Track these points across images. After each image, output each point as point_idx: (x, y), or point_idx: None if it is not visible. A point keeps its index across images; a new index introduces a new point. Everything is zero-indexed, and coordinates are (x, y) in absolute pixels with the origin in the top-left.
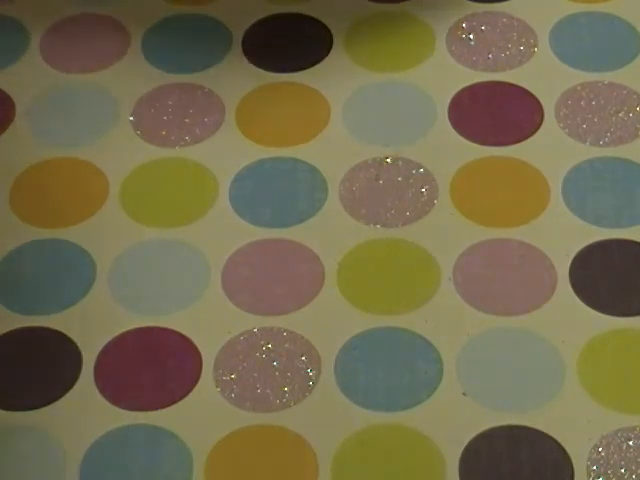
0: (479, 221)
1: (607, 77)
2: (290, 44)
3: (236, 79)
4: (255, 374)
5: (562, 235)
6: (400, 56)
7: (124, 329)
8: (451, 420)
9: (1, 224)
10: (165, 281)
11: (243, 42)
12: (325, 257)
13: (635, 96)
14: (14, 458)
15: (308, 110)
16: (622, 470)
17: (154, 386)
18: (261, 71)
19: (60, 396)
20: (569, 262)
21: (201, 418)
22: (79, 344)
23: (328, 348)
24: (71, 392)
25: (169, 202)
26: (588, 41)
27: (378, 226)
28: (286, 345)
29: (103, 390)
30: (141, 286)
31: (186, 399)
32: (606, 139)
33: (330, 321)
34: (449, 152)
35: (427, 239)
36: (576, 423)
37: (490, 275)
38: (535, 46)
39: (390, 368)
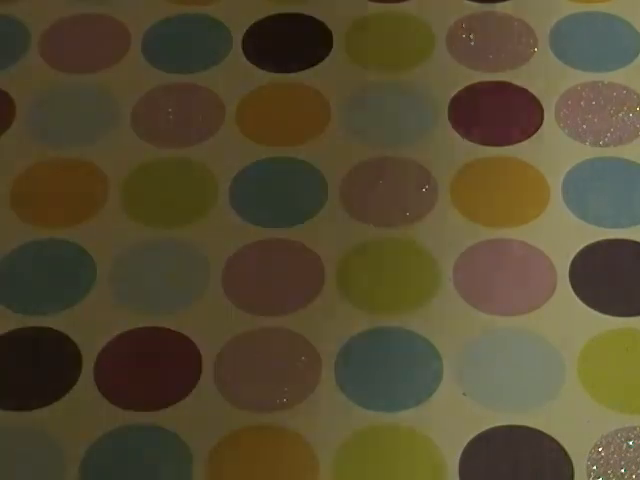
0: (479, 221)
1: (607, 77)
2: (290, 44)
3: (236, 79)
4: (255, 374)
5: (562, 235)
6: (400, 56)
7: (124, 329)
8: (451, 420)
9: (1, 224)
10: (165, 281)
11: (243, 42)
12: (325, 257)
13: (635, 96)
14: (14, 458)
15: (308, 110)
16: (622, 470)
17: (154, 386)
18: (261, 71)
19: (60, 396)
20: (569, 262)
21: (201, 418)
22: (79, 344)
23: (328, 348)
24: (71, 392)
25: (169, 202)
26: (588, 41)
27: (378, 226)
28: (286, 345)
29: (103, 390)
30: (141, 286)
31: (186, 399)
32: (606, 139)
33: (330, 321)
34: (449, 152)
35: (427, 239)
36: (576, 423)
37: (490, 275)
38: (535, 46)
39: (390, 368)
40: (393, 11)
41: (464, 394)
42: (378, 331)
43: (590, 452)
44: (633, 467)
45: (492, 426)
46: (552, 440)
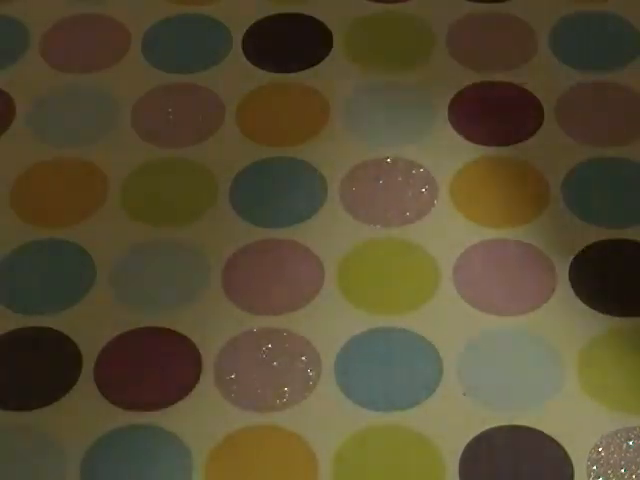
0: (479, 221)
1: (607, 77)
2: (290, 44)
3: (236, 79)
4: (255, 374)
5: (562, 235)
6: (400, 56)
7: (124, 329)
8: (451, 420)
9: (1, 224)
10: (165, 281)
11: (243, 42)
12: (325, 257)
13: (635, 96)
14: (14, 458)
15: (308, 110)
16: (622, 470)
17: (154, 386)
18: (261, 71)
19: (60, 396)
20: (569, 262)
21: (201, 418)
22: (79, 344)
23: (328, 348)
24: (71, 392)
25: (169, 202)
26: (588, 41)
27: (378, 226)
28: (286, 345)
29: (103, 390)
30: (141, 286)
31: (186, 399)
32: (605, 139)
33: (330, 321)
34: (449, 152)
35: (427, 239)
36: (576, 423)
37: (490, 275)
38: (535, 46)
39: (390, 368)
40: (393, 11)
41: (464, 394)
42: (378, 331)
43: (590, 452)
44: (633, 467)
45: (492, 426)
46: (552, 440)
